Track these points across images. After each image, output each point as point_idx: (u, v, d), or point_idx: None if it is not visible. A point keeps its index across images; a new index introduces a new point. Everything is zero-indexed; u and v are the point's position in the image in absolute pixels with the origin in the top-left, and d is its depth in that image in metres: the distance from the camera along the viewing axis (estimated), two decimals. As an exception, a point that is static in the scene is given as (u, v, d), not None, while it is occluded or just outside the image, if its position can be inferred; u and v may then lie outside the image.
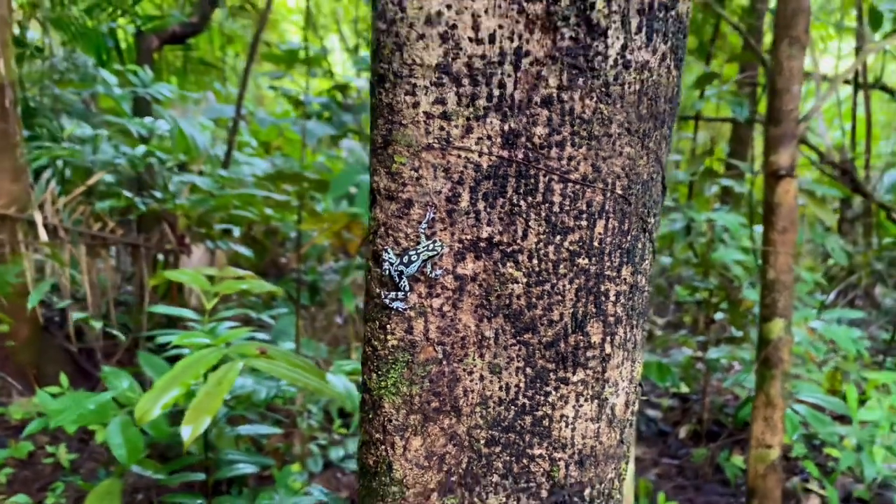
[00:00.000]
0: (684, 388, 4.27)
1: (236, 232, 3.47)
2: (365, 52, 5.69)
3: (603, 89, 0.61)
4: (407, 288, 0.63)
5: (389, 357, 0.66)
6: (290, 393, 2.57)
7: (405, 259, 0.63)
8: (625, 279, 0.67)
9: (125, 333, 3.68)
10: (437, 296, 0.65)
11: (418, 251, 0.63)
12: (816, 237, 3.70)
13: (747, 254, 3.49)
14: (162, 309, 2.01)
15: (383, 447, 0.67)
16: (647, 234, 0.67)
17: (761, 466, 2.20)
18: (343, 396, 1.72)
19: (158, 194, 2.67)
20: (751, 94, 3.90)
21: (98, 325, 2.63)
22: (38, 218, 3.40)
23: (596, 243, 0.64)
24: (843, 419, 3.73)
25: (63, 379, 2.99)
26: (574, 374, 0.68)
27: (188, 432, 1.44)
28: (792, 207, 2.07)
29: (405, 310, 0.64)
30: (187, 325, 3.93)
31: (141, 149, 2.59)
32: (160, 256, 3.86)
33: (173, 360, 2.85)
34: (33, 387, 4.02)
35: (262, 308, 4.05)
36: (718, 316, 4.21)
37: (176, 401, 1.52)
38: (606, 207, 0.64)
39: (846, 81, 5.17)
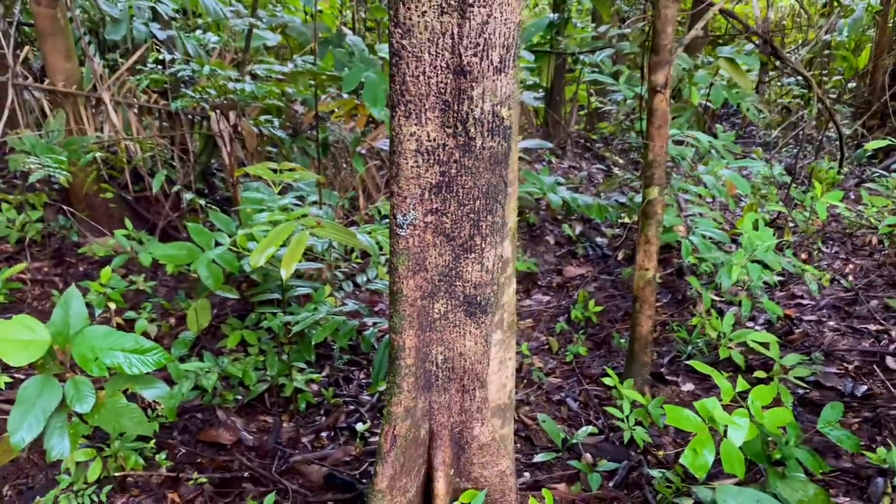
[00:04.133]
0: (629, 220, 5.49)
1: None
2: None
3: (476, 155, 1.73)
4: (407, 226, 1.80)
5: (400, 252, 1.84)
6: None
7: (407, 216, 1.78)
8: (489, 219, 1.83)
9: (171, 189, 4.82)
10: (416, 228, 1.82)
11: (411, 213, 1.78)
12: (733, 99, 4.73)
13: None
14: (250, 194, 3.16)
15: (399, 283, 1.87)
16: (498, 203, 1.82)
17: (642, 282, 3.46)
18: (367, 246, 2.91)
19: (213, 91, 3.69)
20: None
21: (189, 196, 3.74)
22: (107, 97, 4.40)
23: (477, 208, 1.80)
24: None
25: (128, 223, 4.22)
26: (471, 254, 1.86)
27: (285, 273, 2.63)
28: (664, 111, 3.14)
29: (406, 234, 1.81)
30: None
31: (207, 68, 3.58)
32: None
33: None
34: (102, 229, 5.25)
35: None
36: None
37: (273, 254, 2.70)
38: (480, 196, 1.78)
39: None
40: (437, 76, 1.64)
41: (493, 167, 1.76)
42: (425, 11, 1.58)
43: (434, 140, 1.71)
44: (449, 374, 2.02)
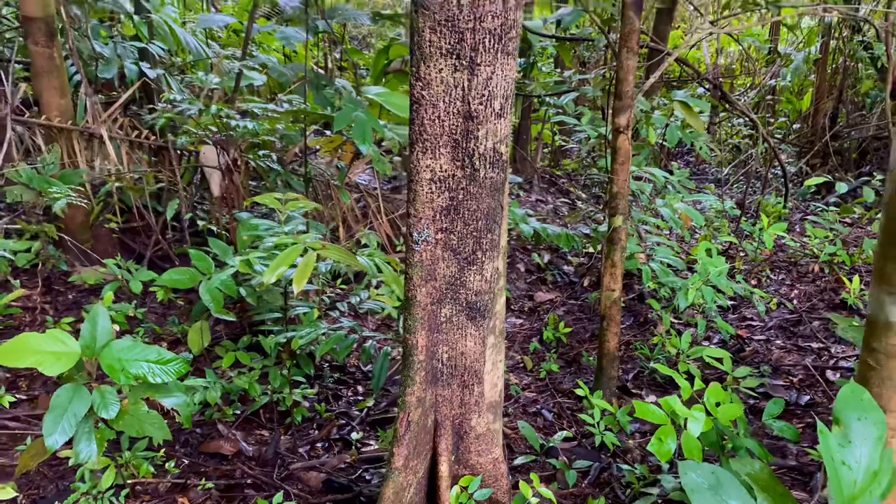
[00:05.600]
0: (593, 249, 5.95)
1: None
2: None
3: (480, 184, 2.15)
4: (421, 242, 2.19)
5: (415, 264, 2.24)
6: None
7: (421, 234, 2.18)
8: (489, 237, 2.24)
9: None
10: (429, 244, 2.22)
11: (425, 231, 2.18)
12: (687, 139, 5.26)
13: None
14: (258, 221, 3.52)
15: (413, 291, 2.26)
16: (496, 223, 2.24)
17: (608, 302, 3.89)
18: (366, 267, 3.29)
19: (214, 129, 4.06)
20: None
21: (203, 223, 4.07)
22: (105, 132, 4.72)
23: (479, 227, 2.21)
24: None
25: (118, 256, 4.52)
26: (473, 266, 2.26)
27: (295, 289, 2.99)
28: (627, 149, 3.61)
29: (420, 249, 2.21)
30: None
31: (214, 108, 3.95)
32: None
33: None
34: (92, 259, 5.52)
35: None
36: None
37: (282, 274, 3.05)
38: (482, 217, 2.20)
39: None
40: (449, 120, 2.06)
41: (492, 193, 2.17)
42: (442, 69, 2.00)
43: (445, 171, 2.12)
44: (452, 371, 2.40)
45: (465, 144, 2.08)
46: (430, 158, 2.10)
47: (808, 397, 4.10)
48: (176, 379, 3.87)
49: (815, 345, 4.68)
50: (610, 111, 5.55)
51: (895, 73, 4.94)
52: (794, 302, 5.24)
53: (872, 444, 2.01)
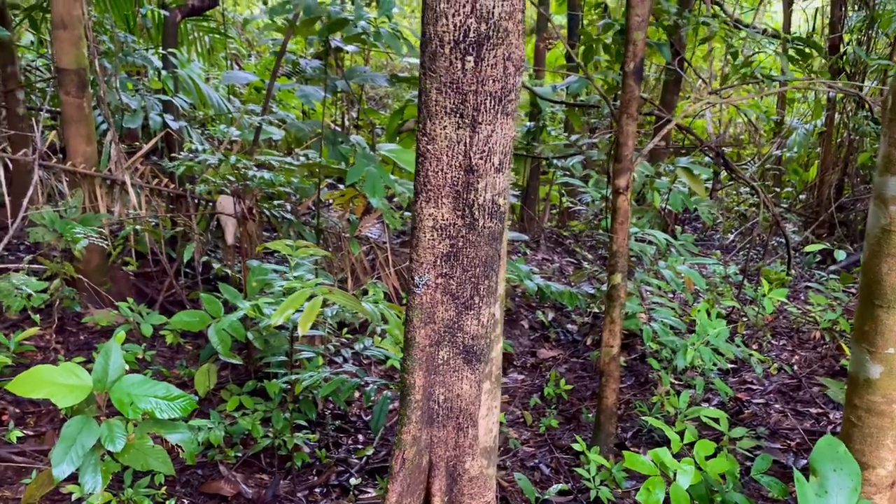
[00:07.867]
0: (597, 309, 6.06)
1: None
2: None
3: (479, 233, 2.31)
4: (422, 286, 2.34)
5: (415, 307, 2.38)
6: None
7: (422, 278, 2.33)
8: (486, 283, 2.39)
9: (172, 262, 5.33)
10: (429, 288, 2.37)
11: (426, 276, 2.33)
12: (689, 204, 5.43)
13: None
14: (269, 266, 3.68)
15: (413, 332, 2.40)
16: (493, 271, 2.39)
17: (607, 358, 3.99)
18: (371, 314, 3.43)
19: (232, 178, 4.27)
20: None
21: (217, 265, 4.24)
22: (128, 179, 4.94)
23: (477, 274, 2.36)
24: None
25: (130, 300, 4.69)
26: (471, 311, 2.41)
27: (300, 331, 3.12)
28: (626, 210, 3.77)
29: (420, 293, 2.36)
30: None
31: (233, 158, 4.17)
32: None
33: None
34: (105, 301, 5.68)
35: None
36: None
37: (289, 316, 3.20)
38: (480, 264, 2.35)
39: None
40: (451, 172, 2.23)
41: (490, 242, 2.33)
42: (446, 126, 2.18)
43: (447, 220, 2.28)
44: (447, 413, 2.52)
45: (465, 196, 2.25)
46: (433, 207, 2.26)
47: (804, 461, 4.14)
48: (181, 418, 3.99)
49: (813, 410, 4.74)
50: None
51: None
52: (795, 367, 5.31)
53: (847, 494, 2.10)
